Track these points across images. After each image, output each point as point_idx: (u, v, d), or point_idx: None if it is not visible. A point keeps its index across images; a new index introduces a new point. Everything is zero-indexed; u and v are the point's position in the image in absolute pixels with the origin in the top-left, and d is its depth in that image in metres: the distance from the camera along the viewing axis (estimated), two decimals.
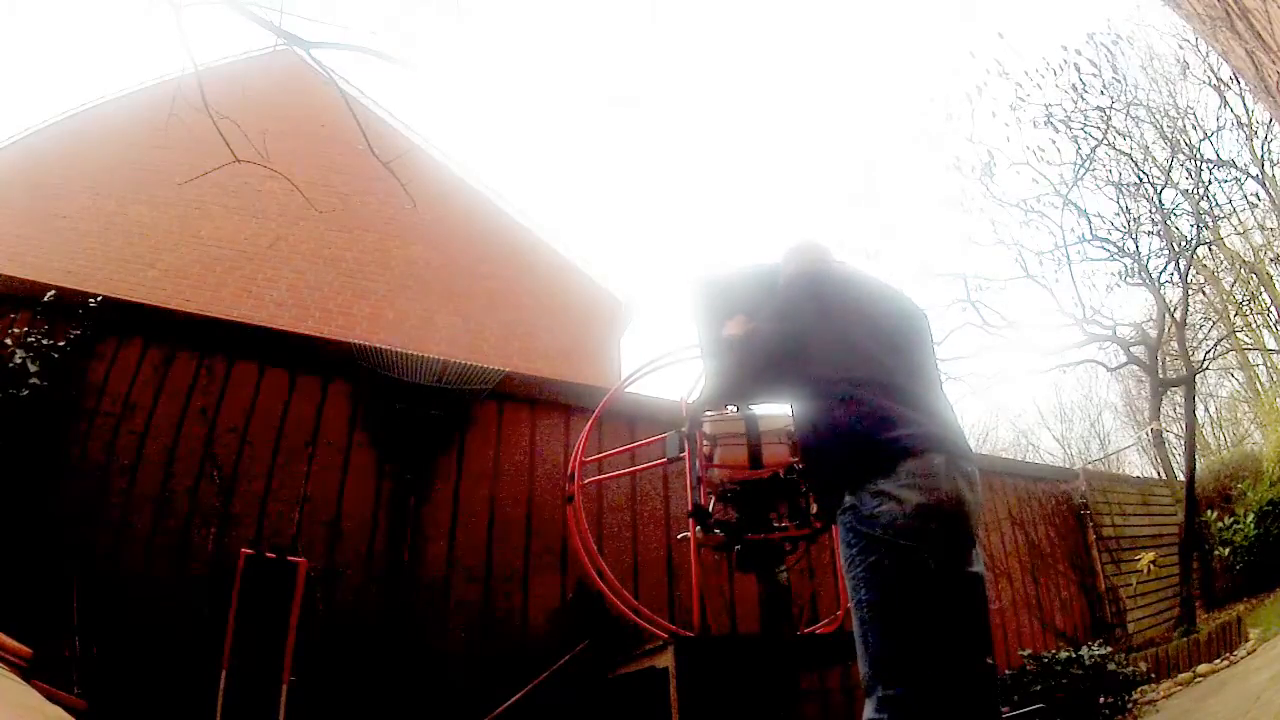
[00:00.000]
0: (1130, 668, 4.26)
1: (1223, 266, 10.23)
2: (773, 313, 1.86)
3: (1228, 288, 10.25)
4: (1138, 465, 15.97)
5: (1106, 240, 8.21)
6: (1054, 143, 8.16)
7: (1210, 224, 8.21)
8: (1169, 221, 7.93)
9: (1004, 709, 1.78)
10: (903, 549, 1.52)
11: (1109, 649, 4.30)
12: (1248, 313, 10.65)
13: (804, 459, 1.84)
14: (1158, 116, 8.40)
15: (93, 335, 3.27)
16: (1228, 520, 7.13)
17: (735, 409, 2.70)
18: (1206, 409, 14.62)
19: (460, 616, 3.36)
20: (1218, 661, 4.68)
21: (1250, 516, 6.97)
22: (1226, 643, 4.86)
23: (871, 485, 1.58)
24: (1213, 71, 7.76)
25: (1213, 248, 9.39)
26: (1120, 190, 8.15)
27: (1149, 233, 8.08)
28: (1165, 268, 7.98)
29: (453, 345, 7.04)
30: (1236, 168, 8.20)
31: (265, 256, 7.44)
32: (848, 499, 1.62)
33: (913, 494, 1.55)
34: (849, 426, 1.66)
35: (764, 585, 2.63)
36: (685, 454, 2.82)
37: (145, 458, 3.17)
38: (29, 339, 3.07)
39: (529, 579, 3.55)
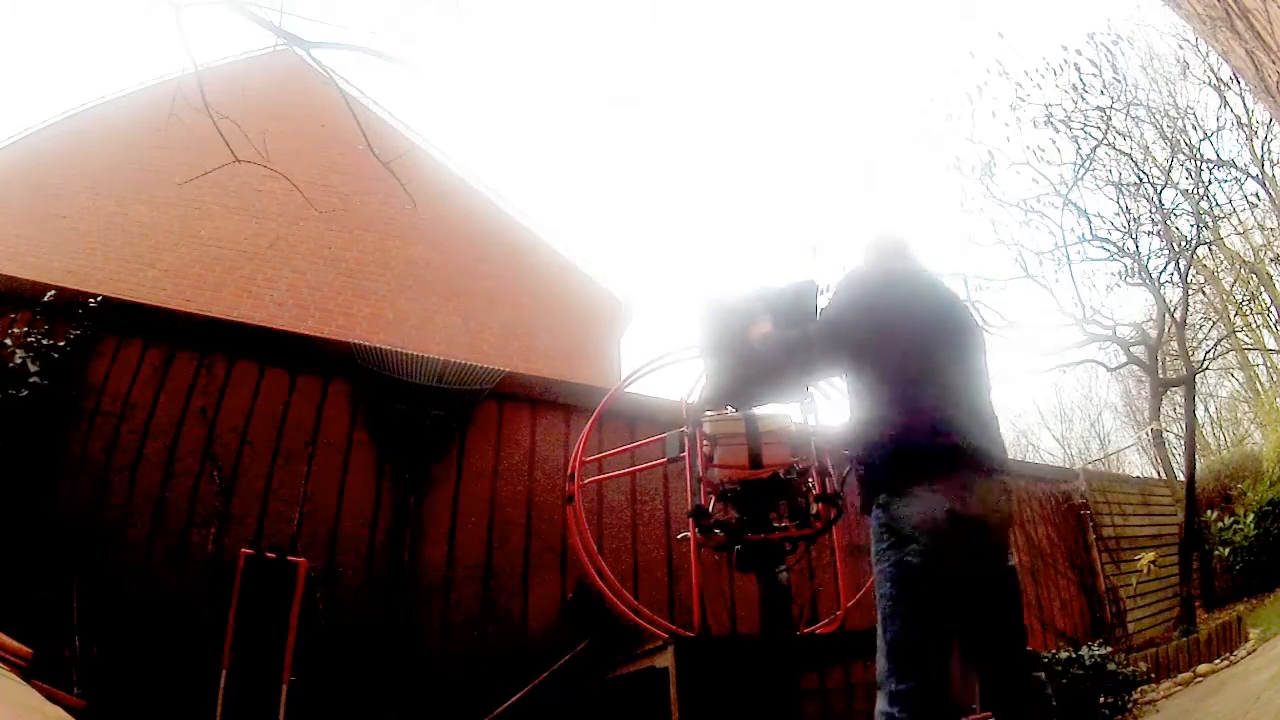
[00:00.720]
0: (1130, 668, 4.26)
1: (1223, 266, 10.23)
2: (832, 313, 1.88)
3: (1228, 288, 10.25)
4: (1138, 465, 15.98)
5: (1106, 240, 8.21)
6: (1054, 143, 8.16)
7: (1210, 224, 8.20)
8: (1169, 221, 7.93)
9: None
10: (930, 549, 1.58)
11: (1109, 649, 4.30)
12: (1248, 313, 10.66)
13: (852, 455, 1.88)
14: (1158, 116, 8.40)
15: (93, 335, 3.27)
16: (1228, 520, 7.13)
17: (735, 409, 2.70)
18: (1206, 409, 14.64)
19: (460, 616, 3.36)
20: (1218, 661, 4.68)
21: (1250, 516, 6.96)
22: (1226, 643, 4.85)
23: (910, 486, 1.64)
24: (1213, 71, 7.76)
25: (1213, 248, 9.39)
26: (1120, 190, 8.15)
27: (1149, 233, 8.08)
28: (1165, 268, 7.98)
29: (453, 345, 7.04)
30: (1236, 168, 8.20)
31: (265, 256, 7.44)
32: (884, 496, 1.68)
33: (947, 499, 1.61)
34: (896, 430, 1.72)
35: (764, 585, 2.63)
36: (685, 454, 2.82)
37: (145, 458, 3.16)
38: (29, 339, 3.07)
39: (529, 579, 3.55)
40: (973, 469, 1.67)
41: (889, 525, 1.65)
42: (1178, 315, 7.62)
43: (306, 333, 5.09)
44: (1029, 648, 1.74)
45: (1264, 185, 8.30)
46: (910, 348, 1.79)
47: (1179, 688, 4.47)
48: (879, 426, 1.75)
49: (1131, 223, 8.12)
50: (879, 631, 1.63)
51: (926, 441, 1.68)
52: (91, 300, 3.32)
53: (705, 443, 2.72)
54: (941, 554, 1.58)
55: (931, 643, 1.56)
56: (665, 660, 2.39)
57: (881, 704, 1.56)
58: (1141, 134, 8.38)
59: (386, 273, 7.89)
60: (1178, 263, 7.77)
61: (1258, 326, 11.12)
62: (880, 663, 1.60)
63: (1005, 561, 1.72)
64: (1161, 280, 7.98)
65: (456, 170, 8.90)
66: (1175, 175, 8.02)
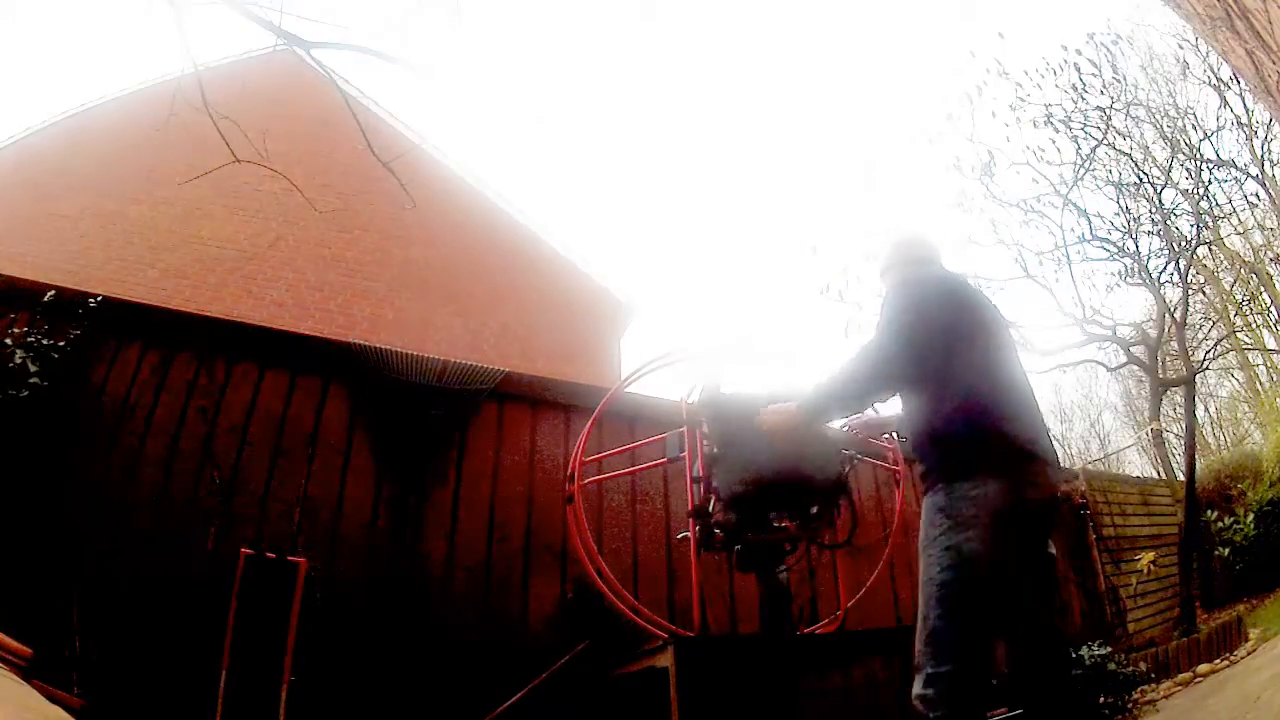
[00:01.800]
0: (1130, 668, 4.25)
1: (1223, 266, 10.22)
2: (893, 330, 1.92)
3: (1228, 288, 10.24)
4: (1138, 465, 15.98)
5: (1106, 240, 8.22)
6: (1054, 143, 8.16)
7: (1210, 224, 8.20)
8: (1169, 221, 7.93)
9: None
10: (987, 536, 1.63)
11: (1109, 649, 4.30)
12: (1248, 313, 10.65)
13: (921, 444, 1.91)
14: (1158, 116, 8.40)
15: (93, 335, 3.26)
16: (1228, 520, 7.13)
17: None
18: (1206, 409, 14.63)
19: (460, 616, 3.36)
20: (1218, 661, 4.68)
21: (1250, 516, 6.96)
22: (1226, 643, 4.85)
23: (973, 474, 1.69)
24: (1213, 71, 7.76)
25: (1213, 248, 9.39)
26: (1120, 190, 8.15)
27: (1149, 233, 8.09)
28: (1165, 268, 7.98)
29: (453, 345, 7.04)
30: (1236, 168, 8.20)
31: (265, 256, 7.44)
32: (944, 483, 1.73)
33: (1008, 487, 1.67)
34: (961, 421, 1.78)
35: (764, 585, 2.63)
36: (685, 454, 2.82)
37: (145, 458, 3.16)
38: (29, 339, 3.06)
39: (529, 579, 3.55)
40: (1031, 458, 1.74)
41: (946, 510, 1.69)
42: (1178, 315, 7.62)
43: (306, 333, 5.09)
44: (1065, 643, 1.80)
45: (1264, 185, 8.30)
46: (969, 348, 1.87)
47: (1179, 688, 4.47)
48: (944, 418, 1.80)
49: (1131, 223, 8.13)
50: (920, 614, 1.66)
51: (991, 432, 1.75)
52: (91, 300, 3.31)
53: (706, 442, 2.72)
54: (997, 542, 1.63)
55: (973, 629, 1.60)
56: (665, 660, 2.39)
57: (917, 686, 1.60)
58: (1141, 134, 8.39)
59: (386, 273, 7.89)
60: (1178, 263, 7.77)
61: (1258, 326, 11.10)
62: (919, 645, 1.63)
63: (1047, 549, 1.80)
64: (1161, 280, 7.99)
65: (457, 170, 8.90)
66: (1175, 175, 8.03)
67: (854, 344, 2.04)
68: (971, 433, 1.76)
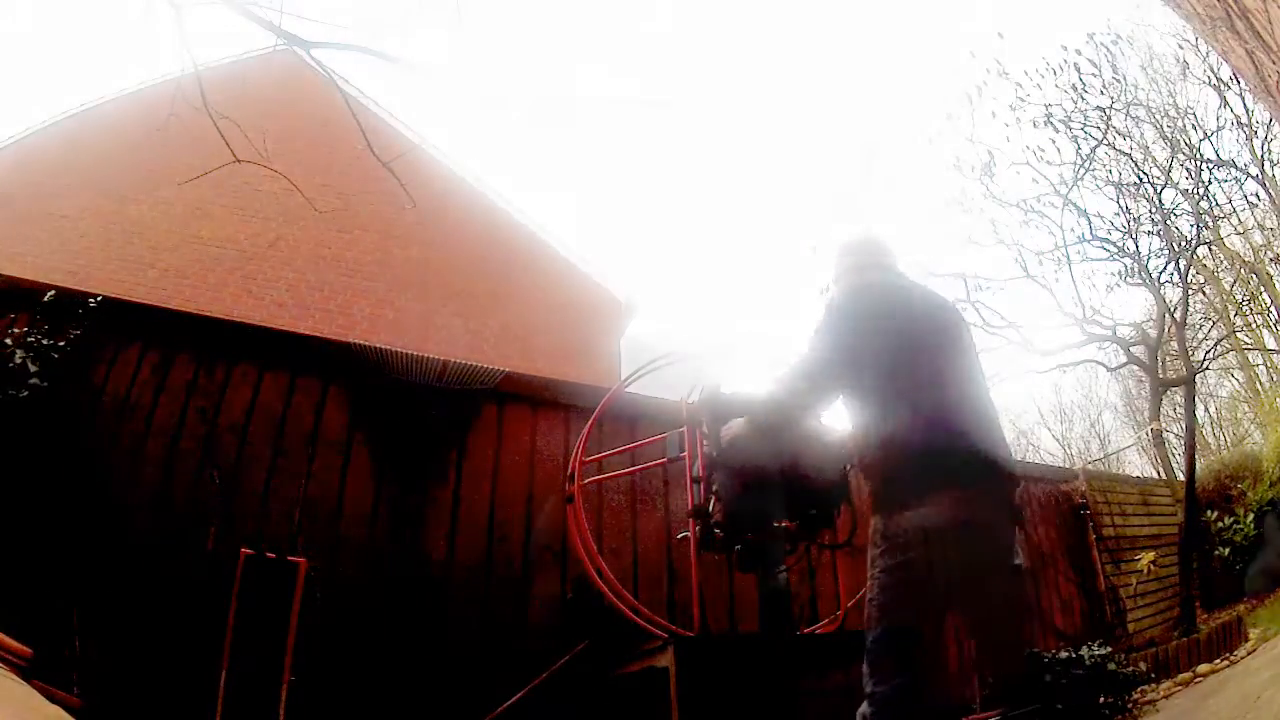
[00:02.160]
0: (1130, 668, 4.25)
1: (1223, 266, 10.21)
2: (822, 340, 1.88)
3: (1228, 288, 10.23)
4: (1138, 465, 15.97)
5: (1106, 240, 8.23)
6: (1054, 143, 8.17)
7: (1210, 224, 8.21)
8: (1169, 221, 7.94)
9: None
10: (923, 560, 1.61)
11: (1109, 649, 4.30)
12: (1248, 313, 10.64)
13: (862, 465, 1.90)
14: (1158, 116, 8.40)
15: (93, 335, 3.26)
16: (1228, 520, 7.13)
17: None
18: (1206, 409, 14.61)
19: (459, 616, 3.36)
20: (1218, 661, 4.68)
21: (1250, 516, 6.97)
22: (1226, 642, 4.86)
23: (912, 497, 1.66)
24: (1213, 71, 7.76)
25: (1213, 248, 9.39)
26: (1120, 190, 8.16)
27: (1149, 233, 8.09)
28: (1165, 268, 7.99)
29: (453, 345, 7.04)
30: (1236, 168, 8.21)
31: (265, 256, 7.44)
32: (886, 505, 1.71)
33: (946, 510, 1.62)
34: (900, 442, 1.73)
35: (764, 585, 2.64)
36: (685, 454, 2.82)
37: (145, 458, 3.16)
38: (29, 339, 3.06)
39: (529, 579, 3.55)
40: (979, 476, 1.68)
41: (883, 532, 1.68)
42: (1178, 315, 7.62)
43: (306, 333, 5.09)
44: (1031, 650, 1.79)
45: (1264, 185, 8.30)
46: (910, 362, 1.80)
47: (1179, 688, 4.47)
48: (884, 438, 1.76)
49: (1131, 223, 8.14)
50: (867, 636, 1.67)
51: (933, 451, 1.69)
52: (91, 300, 3.31)
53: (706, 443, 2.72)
54: (934, 563, 1.60)
55: (908, 650, 1.59)
56: (665, 660, 2.39)
57: (862, 706, 1.60)
58: (1141, 134, 8.40)
59: (386, 273, 7.90)
60: (1178, 263, 7.77)
61: (1258, 326, 11.09)
62: (863, 666, 1.64)
63: (1010, 562, 1.75)
64: (1161, 280, 7.99)
65: (457, 170, 8.91)
66: (1175, 175, 8.03)
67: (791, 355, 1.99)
68: (911, 454, 1.70)
